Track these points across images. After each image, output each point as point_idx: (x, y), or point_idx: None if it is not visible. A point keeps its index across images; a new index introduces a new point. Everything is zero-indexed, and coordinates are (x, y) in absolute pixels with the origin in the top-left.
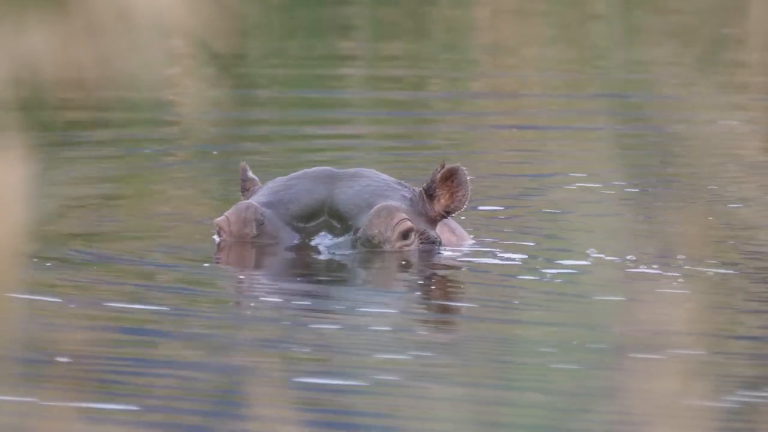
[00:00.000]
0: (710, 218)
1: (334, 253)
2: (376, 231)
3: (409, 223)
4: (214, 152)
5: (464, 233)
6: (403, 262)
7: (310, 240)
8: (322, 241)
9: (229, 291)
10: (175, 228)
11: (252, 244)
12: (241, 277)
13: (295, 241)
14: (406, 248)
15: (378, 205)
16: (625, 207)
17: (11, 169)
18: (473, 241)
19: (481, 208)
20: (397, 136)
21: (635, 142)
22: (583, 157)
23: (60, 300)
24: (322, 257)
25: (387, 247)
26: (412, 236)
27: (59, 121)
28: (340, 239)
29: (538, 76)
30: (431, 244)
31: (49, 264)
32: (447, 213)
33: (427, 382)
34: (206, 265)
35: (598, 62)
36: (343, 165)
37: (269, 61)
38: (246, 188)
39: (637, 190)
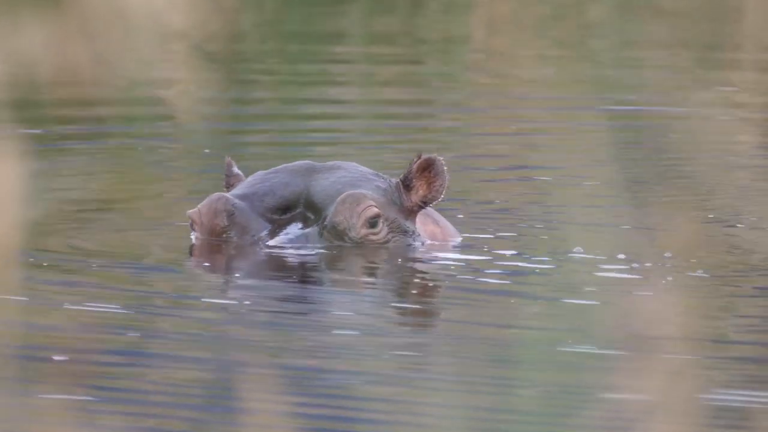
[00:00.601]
0: (710, 216)
1: (303, 245)
2: (341, 218)
3: (375, 210)
4: (206, 150)
5: (448, 225)
6: (380, 256)
7: (280, 231)
8: (292, 231)
9: (215, 293)
10: (169, 227)
11: (225, 241)
12: (217, 279)
13: (265, 233)
14: (374, 236)
15: (344, 193)
16: (615, 202)
17: (6, 168)
18: (458, 233)
19: (468, 200)
20: (392, 116)
21: (627, 125)
22: (573, 148)
23: (55, 300)
24: (292, 251)
25: (353, 234)
26: (380, 224)
27: (54, 120)
28: (308, 230)
29: (533, 59)
30: (404, 234)
31: (45, 263)
32: (424, 203)
33: (417, 383)
34: (191, 265)
35: (592, 42)
36: (335, 157)
37: (265, 44)
38: (230, 183)
39: (627, 184)
